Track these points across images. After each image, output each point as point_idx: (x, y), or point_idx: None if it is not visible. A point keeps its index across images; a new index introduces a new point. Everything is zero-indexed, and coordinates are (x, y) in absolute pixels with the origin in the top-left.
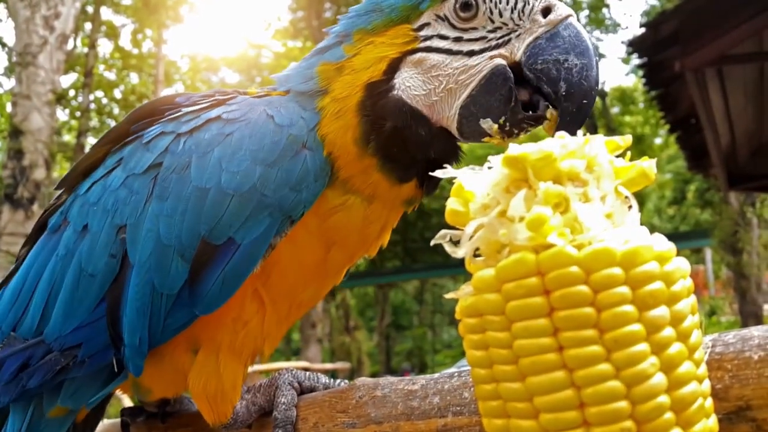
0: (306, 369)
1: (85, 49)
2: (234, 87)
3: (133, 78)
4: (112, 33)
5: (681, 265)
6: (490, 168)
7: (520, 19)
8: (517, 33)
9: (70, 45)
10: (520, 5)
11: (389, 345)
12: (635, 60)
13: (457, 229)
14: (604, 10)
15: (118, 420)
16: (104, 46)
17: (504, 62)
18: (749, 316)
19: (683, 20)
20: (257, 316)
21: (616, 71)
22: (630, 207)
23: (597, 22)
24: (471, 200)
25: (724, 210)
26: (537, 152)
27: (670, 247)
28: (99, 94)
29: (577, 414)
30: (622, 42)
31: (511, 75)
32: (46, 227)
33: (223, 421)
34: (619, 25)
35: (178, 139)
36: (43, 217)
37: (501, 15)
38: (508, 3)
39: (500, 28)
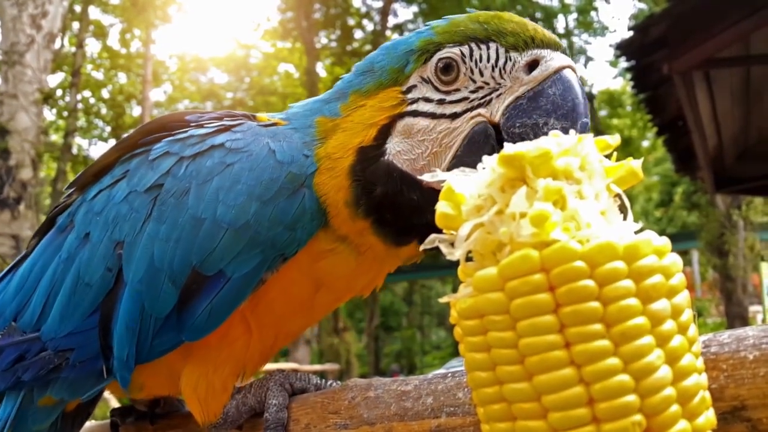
0: (295, 371)
1: (73, 49)
2: (224, 88)
3: (121, 78)
4: (100, 32)
5: (675, 259)
6: (483, 169)
7: (502, 78)
8: (498, 92)
9: (57, 44)
10: (501, 62)
11: (378, 346)
12: (623, 63)
13: (445, 232)
14: (593, 13)
15: (107, 421)
16: (92, 46)
17: (484, 120)
18: (735, 318)
19: (671, 24)
20: (242, 339)
21: (604, 74)
22: (621, 206)
23: (585, 25)
24: (462, 203)
25: (711, 212)
26: (534, 150)
27: (666, 241)
28: (86, 93)
29: (587, 411)
30: (611, 45)
31: (493, 132)
32: (55, 222)
33: (213, 421)
34: (607, 28)
35: (180, 162)
36: (54, 212)
37: (482, 74)
38: (489, 60)
39: (482, 87)
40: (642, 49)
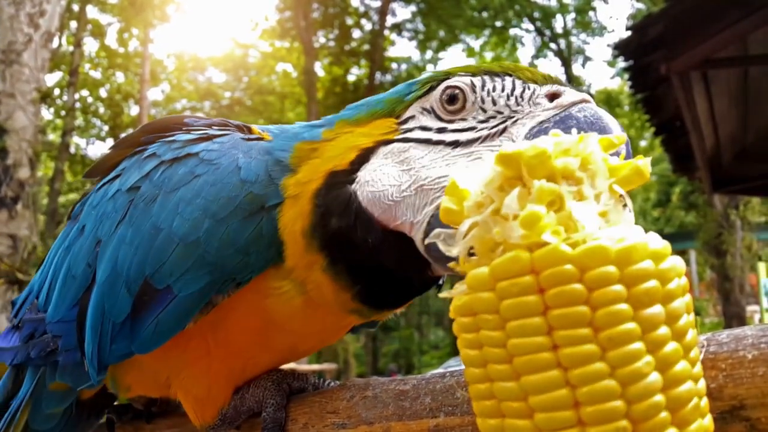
0: (293, 370)
1: (71, 48)
2: (222, 87)
3: (119, 77)
4: (98, 32)
5: (676, 263)
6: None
7: (518, 105)
8: (514, 119)
9: (55, 43)
10: (519, 90)
11: (376, 346)
12: (621, 63)
13: (451, 227)
14: (591, 13)
15: (104, 420)
16: (90, 45)
17: None
18: (732, 318)
19: (669, 24)
20: (203, 360)
21: (602, 74)
22: (625, 205)
23: (583, 25)
24: (466, 198)
25: (708, 212)
26: (531, 150)
27: (665, 245)
28: (84, 92)
29: (572, 413)
30: (608, 45)
31: None
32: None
33: (210, 423)
34: (605, 28)
35: (159, 166)
36: (79, 200)
37: (494, 103)
38: (503, 90)
39: (494, 117)
40: (640, 49)
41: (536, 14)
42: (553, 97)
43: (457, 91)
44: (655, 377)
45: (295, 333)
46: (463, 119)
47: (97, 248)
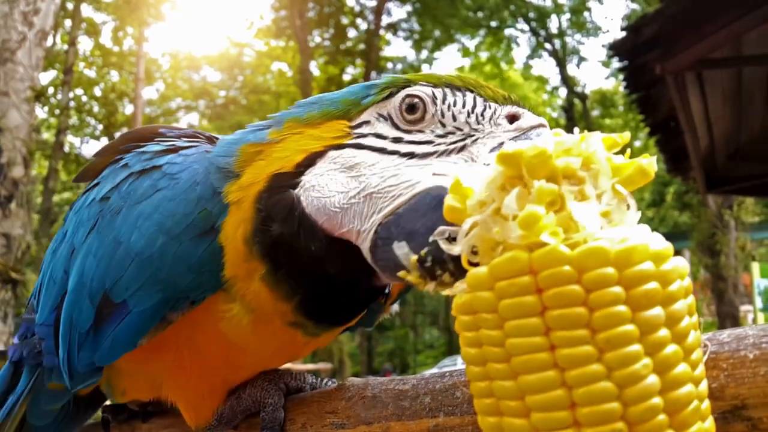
0: (288, 370)
1: (65, 46)
2: (217, 86)
3: (114, 76)
4: (93, 30)
5: (679, 264)
6: (487, 165)
7: (479, 123)
8: (474, 138)
9: (49, 42)
10: (479, 109)
11: (371, 345)
12: (616, 63)
13: (455, 225)
14: (586, 13)
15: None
16: (84, 44)
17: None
18: (726, 317)
19: (664, 24)
20: (185, 373)
21: (597, 74)
22: (628, 205)
23: (578, 25)
24: (469, 197)
25: (702, 212)
26: (532, 149)
27: (667, 246)
28: (79, 91)
29: (568, 414)
30: (603, 45)
31: None
32: None
33: (206, 424)
34: (600, 28)
35: (128, 178)
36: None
37: (455, 119)
38: (464, 105)
39: (452, 133)
40: (634, 50)
41: (531, 14)
42: (512, 118)
43: (417, 100)
44: (653, 380)
45: (254, 353)
46: (421, 131)
47: (72, 255)
